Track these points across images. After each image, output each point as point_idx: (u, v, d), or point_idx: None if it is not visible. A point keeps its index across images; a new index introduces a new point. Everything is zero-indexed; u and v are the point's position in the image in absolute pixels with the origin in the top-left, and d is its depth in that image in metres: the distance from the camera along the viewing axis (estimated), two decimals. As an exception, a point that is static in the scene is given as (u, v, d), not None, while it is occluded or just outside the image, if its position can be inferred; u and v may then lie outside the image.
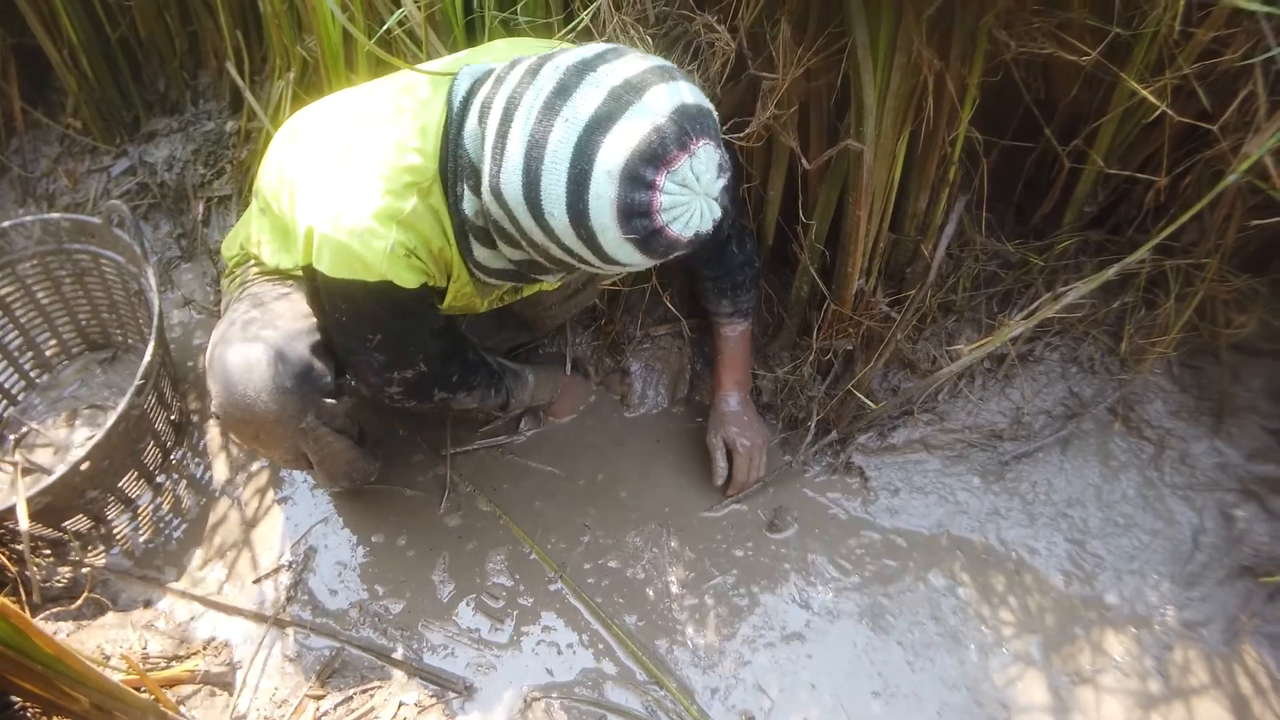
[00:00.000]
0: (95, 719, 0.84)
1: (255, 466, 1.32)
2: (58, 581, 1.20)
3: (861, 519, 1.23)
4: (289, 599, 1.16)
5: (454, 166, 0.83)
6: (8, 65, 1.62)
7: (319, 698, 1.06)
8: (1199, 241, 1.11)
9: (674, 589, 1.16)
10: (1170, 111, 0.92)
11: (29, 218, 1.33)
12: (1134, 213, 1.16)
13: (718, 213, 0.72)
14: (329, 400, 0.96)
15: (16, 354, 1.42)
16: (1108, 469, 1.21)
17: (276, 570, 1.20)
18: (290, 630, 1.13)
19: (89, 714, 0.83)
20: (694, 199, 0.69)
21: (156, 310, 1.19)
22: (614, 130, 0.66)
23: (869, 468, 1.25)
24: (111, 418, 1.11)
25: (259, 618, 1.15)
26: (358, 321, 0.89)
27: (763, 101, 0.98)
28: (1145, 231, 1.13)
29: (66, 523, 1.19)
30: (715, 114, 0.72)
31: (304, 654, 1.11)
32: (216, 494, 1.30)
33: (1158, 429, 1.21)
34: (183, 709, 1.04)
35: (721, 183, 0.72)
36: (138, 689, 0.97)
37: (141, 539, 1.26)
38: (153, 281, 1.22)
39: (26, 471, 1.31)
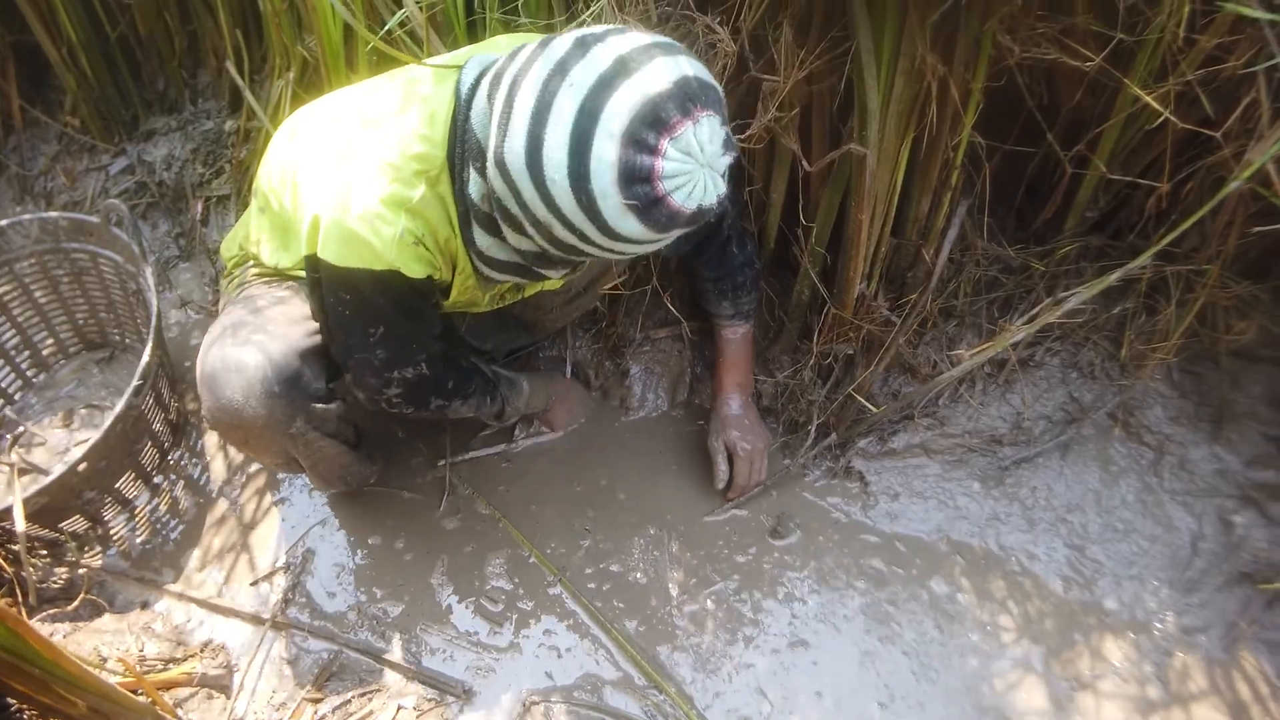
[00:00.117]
0: (91, 722, 0.83)
1: (253, 468, 1.31)
2: (54, 582, 1.20)
3: (861, 523, 1.23)
4: (287, 601, 1.16)
5: (461, 152, 0.83)
6: (6, 63, 1.61)
7: (316, 701, 1.05)
8: (1200, 248, 1.11)
9: (675, 594, 1.16)
10: (1173, 118, 0.92)
11: (27, 216, 1.32)
12: (1135, 218, 1.16)
13: (722, 188, 0.71)
14: (319, 405, 0.95)
15: (13, 353, 1.41)
16: (1107, 474, 1.21)
17: (274, 572, 1.19)
18: (288, 633, 1.13)
19: (86, 717, 0.82)
20: (697, 170, 0.68)
21: (155, 311, 1.18)
22: (617, 93, 0.66)
23: (869, 472, 1.25)
24: (109, 418, 1.10)
25: (256, 620, 1.14)
26: (360, 315, 0.87)
27: (764, 104, 0.98)
28: (1146, 237, 1.13)
29: (63, 523, 1.18)
30: (721, 93, 0.71)
31: (302, 657, 1.11)
32: (214, 495, 1.30)
33: (1157, 435, 1.21)
34: (180, 712, 1.03)
35: (726, 160, 0.70)
36: (134, 692, 0.96)
37: (139, 540, 1.25)
38: (151, 281, 1.21)
39: (23, 472, 1.31)
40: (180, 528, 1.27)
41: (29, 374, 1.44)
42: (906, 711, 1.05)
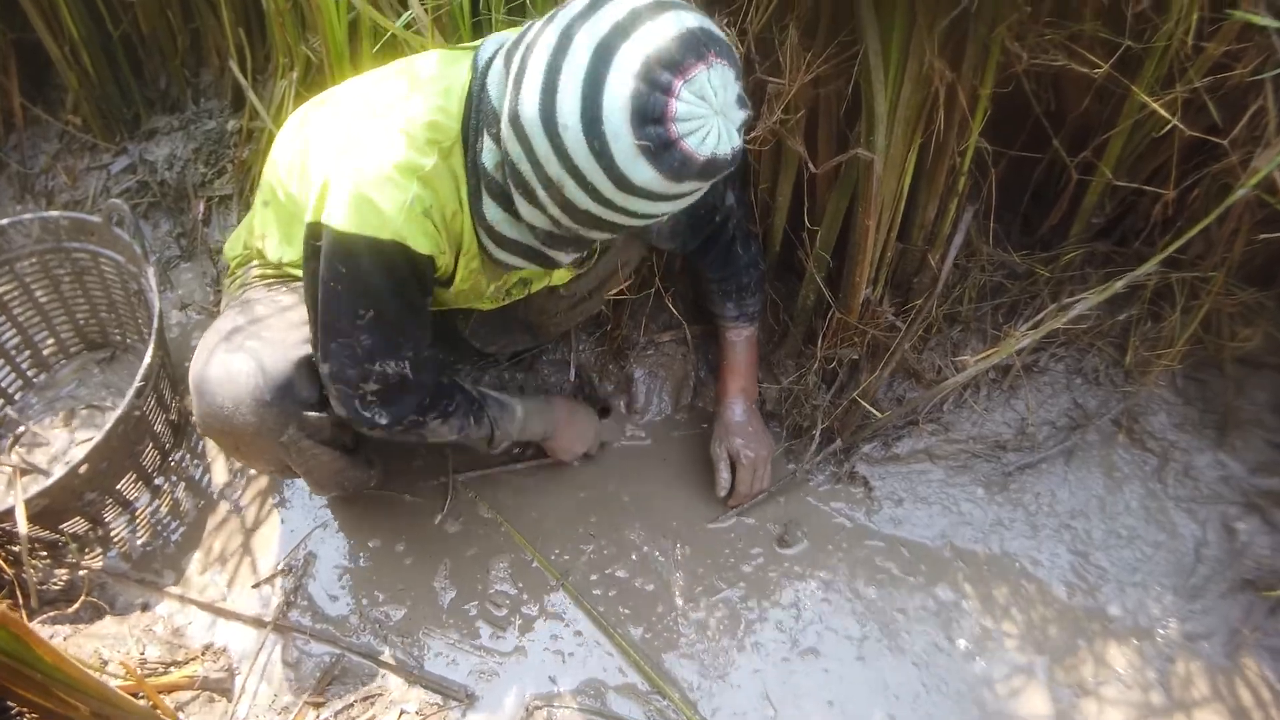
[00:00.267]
0: (93, 727, 0.83)
1: (254, 470, 1.31)
2: (54, 584, 1.19)
3: (866, 528, 1.23)
4: (288, 604, 1.15)
5: (476, 122, 0.82)
6: (8, 60, 1.60)
7: (318, 705, 1.05)
8: (1205, 255, 1.11)
9: (680, 600, 1.16)
10: (1181, 125, 0.91)
11: (28, 215, 1.31)
12: (1141, 225, 1.16)
13: (736, 142, 0.70)
14: (312, 414, 0.93)
15: (14, 353, 1.41)
16: (1111, 481, 1.21)
17: (276, 575, 1.19)
18: (289, 636, 1.13)
19: (87, 722, 0.82)
20: (711, 116, 0.68)
21: (157, 311, 1.18)
22: (631, 39, 0.67)
23: (873, 477, 1.25)
24: (111, 420, 1.10)
25: (258, 623, 1.14)
26: (353, 291, 0.83)
27: (769, 106, 0.98)
28: (1151, 244, 1.13)
29: (64, 525, 1.18)
30: (735, 52, 0.71)
31: (303, 660, 1.10)
32: (215, 497, 1.29)
33: (1161, 441, 1.21)
34: (181, 715, 1.03)
35: (741, 114, 0.70)
36: (135, 695, 0.96)
37: (139, 542, 1.25)
38: (153, 282, 1.21)
39: (24, 472, 1.30)
40: (181, 529, 1.26)
41: (29, 374, 1.44)
42: (912, 717, 1.05)
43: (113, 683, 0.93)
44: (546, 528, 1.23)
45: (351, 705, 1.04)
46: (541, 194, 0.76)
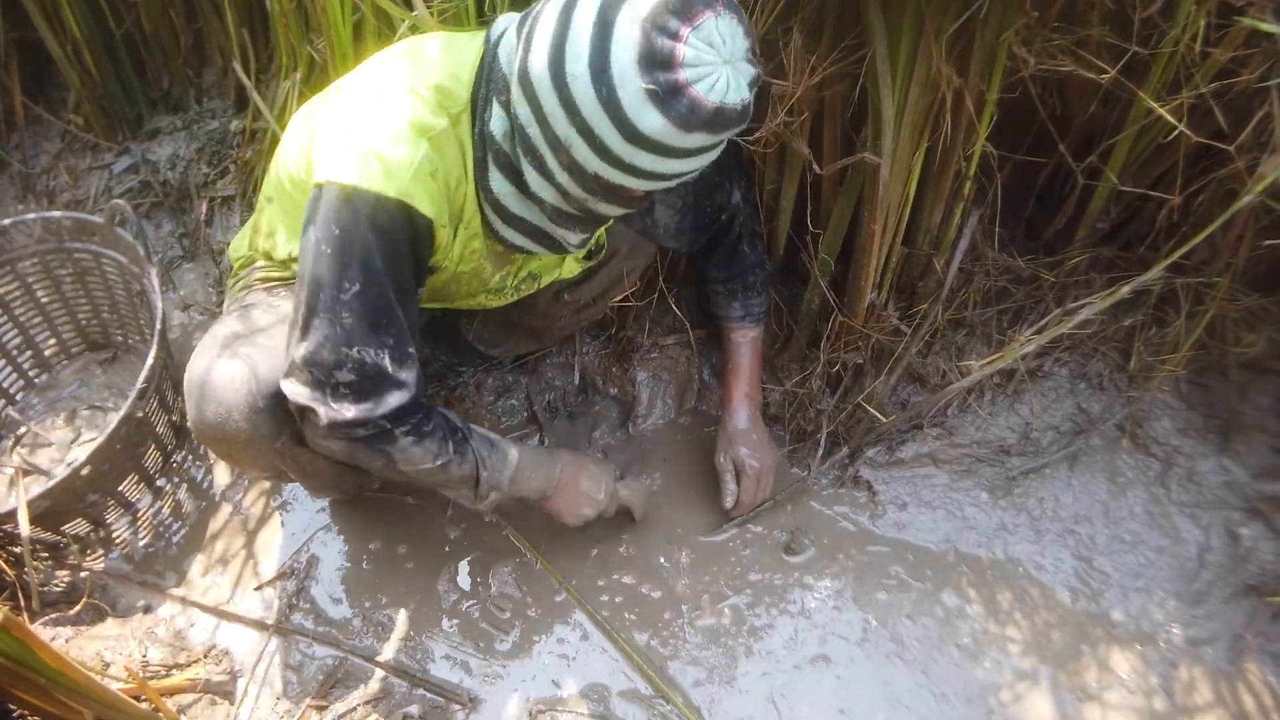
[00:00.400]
0: (96, 731, 0.83)
1: (257, 471, 1.31)
2: (55, 586, 1.19)
3: (870, 533, 1.22)
4: (291, 607, 1.15)
5: (486, 93, 0.81)
6: (9, 59, 1.60)
7: (321, 708, 1.05)
8: (1210, 260, 1.11)
9: (684, 606, 1.15)
10: (1187, 131, 0.91)
11: (30, 215, 1.31)
12: (1145, 230, 1.16)
13: (745, 94, 0.69)
14: None
15: (15, 353, 1.40)
16: (1115, 486, 1.21)
17: (278, 577, 1.19)
18: (292, 639, 1.12)
19: (90, 726, 0.82)
20: (719, 65, 0.68)
21: (160, 313, 1.17)
22: None
23: (877, 481, 1.25)
24: (113, 421, 1.09)
25: (260, 626, 1.13)
26: (344, 257, 0.77)
27: (773, 108, 0.98)
28: (1156, 249, 1.13)
29: (65, 526, 1.17)
30: (742, 11, 0.71)
31: (306, 663, 1.10)
32: (217, 499, 1.29)
33: (1165, 446, 1.21)
34: (183, 718, 1.03)
35: (750, 70, 0.70)
36: (137, 698, 0.95)
37: (141, 543, 1.24)
38: (155, 283, 1.20)
39: (25, 473, 1.30)
40: (183, 531, 1.26)
41: (31, 374, 1.43)
42: (914, 723, 1.05)
43: (114, 685, 0.93)
44: (550, 532, 1.23)
45: (354, 708, 1.04)
46: (549, 159, 0.75)
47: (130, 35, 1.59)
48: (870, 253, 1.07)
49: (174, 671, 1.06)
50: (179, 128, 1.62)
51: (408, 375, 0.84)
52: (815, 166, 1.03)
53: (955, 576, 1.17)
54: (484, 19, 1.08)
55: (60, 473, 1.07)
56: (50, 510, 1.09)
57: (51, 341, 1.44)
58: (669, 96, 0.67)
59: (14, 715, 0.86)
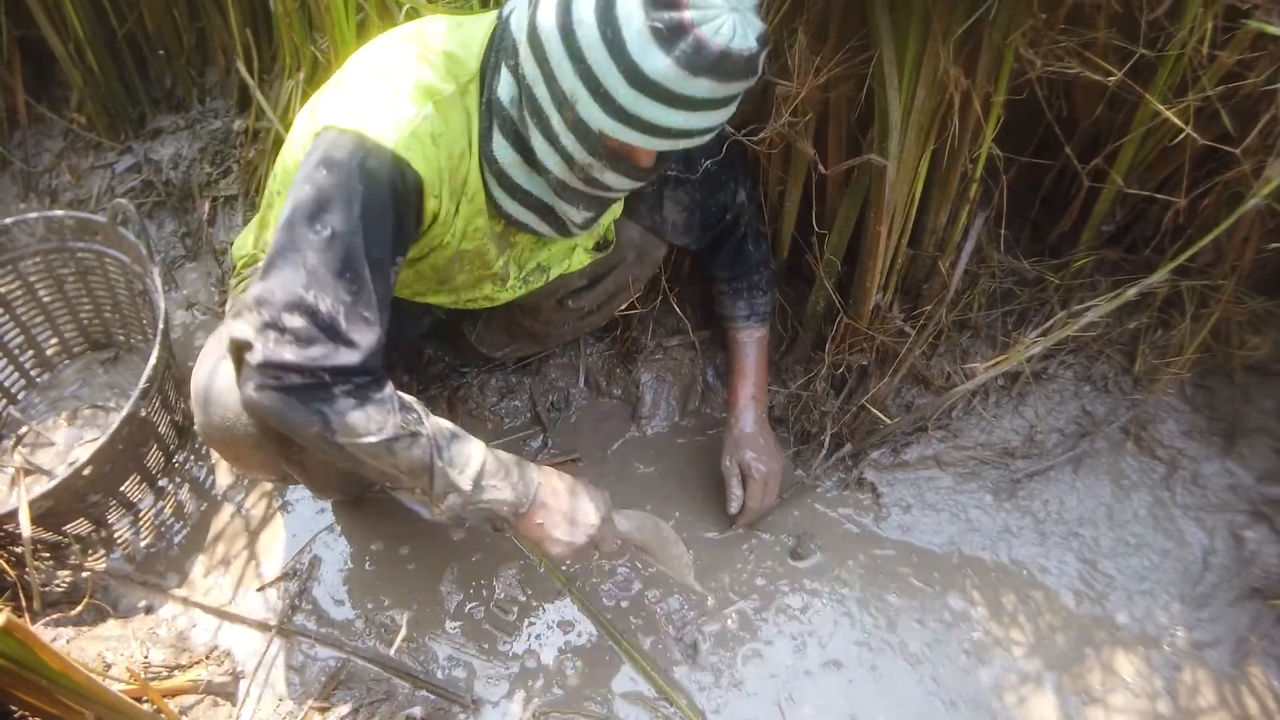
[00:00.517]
0: (98, 732, 0.82)
1: (259, 471, 1.30)
2: (57, 586, 1.18)
3: (874, 535, 1.22)
4: (293, 608, 1.15)
5: (495, 61, 0.80)
6: (12, 58, 1.60)
7: (324, 710, 1.04)
8: (1216, 263, 1.11)
9: (690, 610, 1.15)
10: (1193, 133, 0.91)
11: (33, 214, 1.31)
12: (1150, 233, 1.15)
13: (751, 43, 0.69)
14: None
15: (17, 352, 1.40)
16: (1119, 488, 1.21)
17: (280, 578, 1.18)
18: (295, 640, 1.12)
19: (92, 727, 0.81)
20: (726, 10, 0.67)
21: (162, 313, 1.17)
22: None
23: (881, 484, 1.24)
24: (115, 421, 1.09)
25: (263, 627, 1.13)
26: (323, 198, 0.73)
27: (778, 109, 0.98)
28: (1161, 251, 1.13)
29: (67, 526, 1.17)
30: None
31: (308, 665, 1.10)
32: (219, 499, 1.28)
33: (1170, 449, 1.21)
34: (185, 719, 1.02)
35: (757, 24, 0.69)
36: (139, 699, 0.95)
37: (143, 544, 1.24)
38: (158, 282, 1.20)
39: (26, 473, 1.29)
40: (185, 532, 1.25)
41: (33, 373, 1.43)
42: (918, 726, 1.05)
43: (116, 686, 0.92)
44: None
45: (357, 710, 1.04)
46: (554, 119, 0.75)
47: (133, 34, 1.59)
48: (876, 254, 1.07)
49: (176, 673, 1.06)
50: (182, 127, 1.62)
51: (361, 338, 0.75)
52: (821, 167, 1.03)
53: (960, 579, 1.17)
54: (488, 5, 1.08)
55: (62, 472, 1.07)
56: (52, 510, 1.09)
57: (53, 341, 1.43)
58: (673, 35, 0.67)
59: (15, 716, 0.86)
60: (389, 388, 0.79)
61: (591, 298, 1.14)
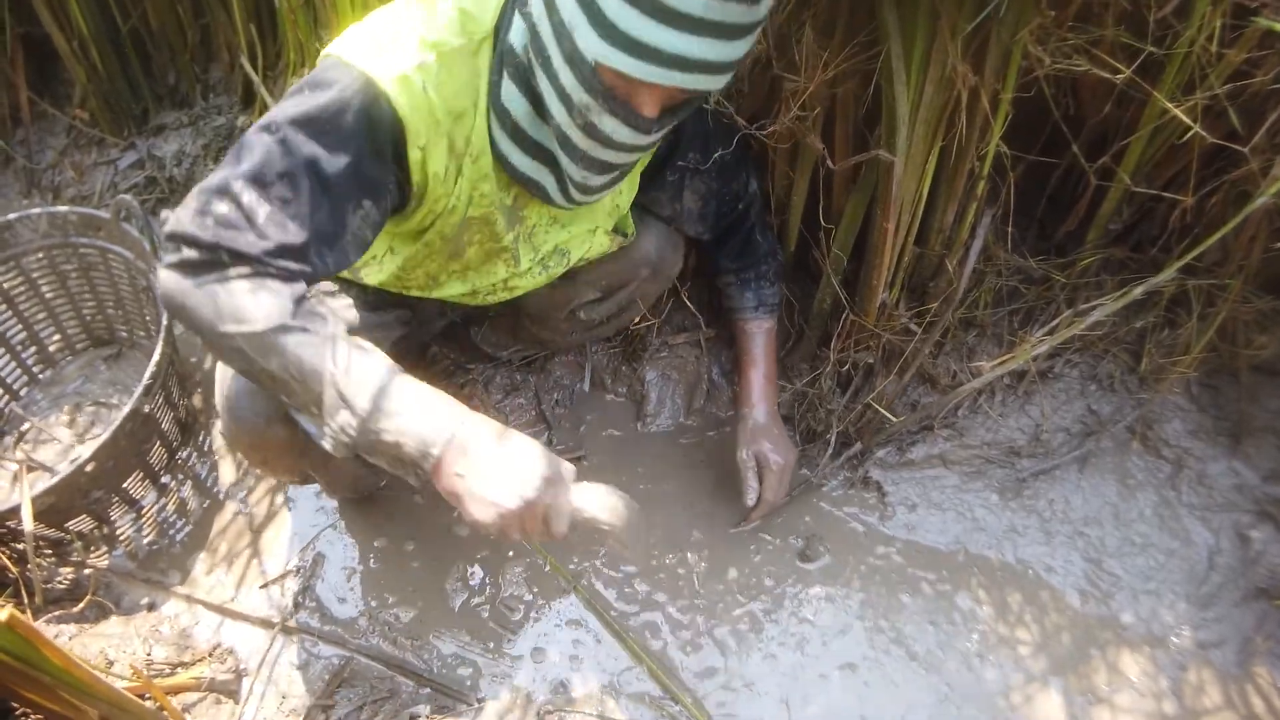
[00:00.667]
0: (102, 729, 0.82)
1: (262, 468, 1.30)
2: (59, 583, 1.18)
3: (879, 534, 1.22)
4: (297, 605, 1.14)
5: (510, 11, 0.78)
6: (15, 54, 1.59)
7: (328, 708, 1.04)
8: (1223, 262, 1.11)
9: (697, 611, 1.14)
10: (1202, 131, 0.91)
11: (36, 210, 1.30)
12: (1157, 231, 1.15)
13: None
14: None
15: (19, 349, 1.39)
16: (1125, 488, 1.21)
17: (284, 576, 1.18)
18: (298, 638, 1.11)
19: (96, 724, 0.81)
20: None
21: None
22: None
23: (887, 482, 1.24)
24: (119, 418, 1.09)
25: (266, 624, 1.13)
26: (289, 111, 0.70)
27: (785, 104, 0.98)
28: (1168, 250, 1.12)
29: (69, 523, 1.16)
30: None
31: (312, 663, 1.09)
32: (222, 496, 1.28)
33: (1175, 448, 1.21)
34: (188, 717, 1.02)
35: None
36: (142, 696, 0.94)
37: (145, 541, 1.23)
38: (163, 279, 1.19)
39: (29, 469, 1.29)
40: (188, 529, 1.25)
41: (35, 370, 1.42)
42: (924, 725, 1.05)
43: (119, 684, 0.92)
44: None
45: (361, 708, 1.03)
46: (555, 55, 0.72)
47: (137, 31, 1.59)
48: (883, 251, 1.07)
49: (179, 670, 1.05)
50: (185, 123, 1.61)
51: (276, 235, 0.68)
52: (829, 162, 1.03)
53: (966, 579, 1.17)
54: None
55: (64, 469, 1.06)
56: (54, 506, 1.08)
57: (56, 337, 1.43)
58: None
59: (16, 714, 0.85)
60: (298, 288, 0.69)
61: (603, 310, 1.14)
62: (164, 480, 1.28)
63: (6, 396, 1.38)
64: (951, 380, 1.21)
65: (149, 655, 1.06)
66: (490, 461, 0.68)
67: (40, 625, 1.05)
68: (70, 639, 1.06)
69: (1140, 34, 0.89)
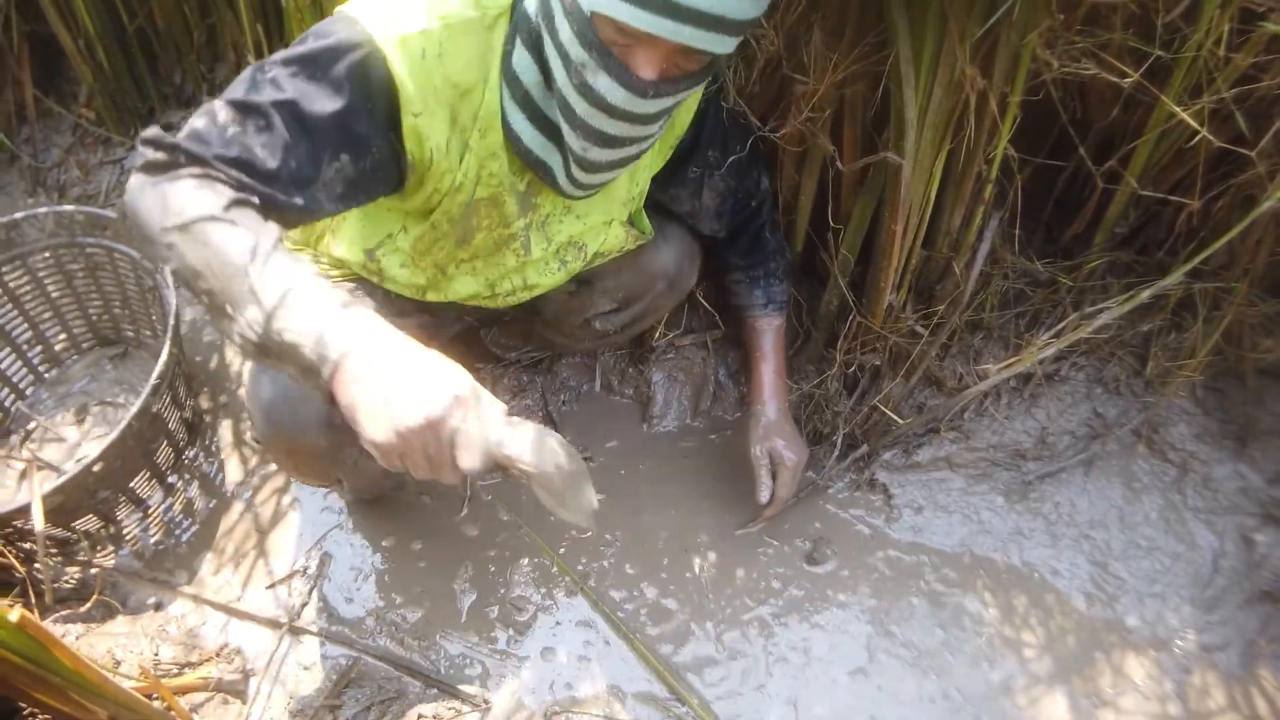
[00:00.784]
0: (111, 729, 0.82)
1: (268, 468, 1.30)
2: (66, 582, 1.18)
3: (885, 536, 1.22)
4: (304, 606, 1.14)
5: None
6: (22, 53, 1.59)
7: (335, 708, 1.04)
8: (1229, 266, 1.11)
9: (701, 610, 1.14)
10: (1209, 135, 0.91)
11: (42, 209, 1.30)
12: (1164, 235, 1.16)
13: None
14: None
15: (25, 348, 1.39)
16: (1131, 491, 1.21)
17: (291, 576, 1.18)
18: (305, 638, 1.12)
19: (105, 724, 0.81)
20: None
21: (173, 309, 1.17)
22: None
23: (893, 485, 1.24)
24: (126, 417, 1.09)
25: (273, 624, 1.13)
26: (285, 56, 0.70)
27: (795, 105, 0.98)
28: (1174, 253, 1.13)
29: (76, 522, 1.17)
30: None
31: (319, 663, 1.09)
32: (229, 496, 1.28)
33: (1181, 452, 1.21)
34: (195, 717, 1.02)
35: None
36: (150, 697, 0.95)
37: (152, 540, 1.23)
38: (169, 278, 1.20)
39: (37, 468, 1.29)
40: (194, 528, 1.25)
41: (41, 369, 1.42)
42: (930, 727, 1.05)
43: (127, 684, 0.92)
44: (566, 532, 1.22)
45: (368, 709, 1.03)
46: (557, 11, 0.71)
47: (143, 30, 1.59)
48: (890, 254, 1.07)
49: (186, 670, 1.06)
50: (191, 123, 1.61)
51: (238, 153, 0.65)
52: (838, 162, 1.03)
53: (972, 581, 1.17)
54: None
55: (71, 468, 1.07)
56: (61, 506, 1.08)
57: (62, 336, 1.43)
58: None
59: (25, 712, 0.85)
60: (247, 197, 0.65)
61: (618, 321, 1.14)
62: (171, 480, 1.28)
63: (12, 396, 1.38)
64: (958, 383, 1.21)
65: (156, 655, 1.06)
66: (396, 372, 0.59)
67: (48, 625, 1.06)
68: (77, 639, 1.06)
69: (1148, 38, 0.89)
